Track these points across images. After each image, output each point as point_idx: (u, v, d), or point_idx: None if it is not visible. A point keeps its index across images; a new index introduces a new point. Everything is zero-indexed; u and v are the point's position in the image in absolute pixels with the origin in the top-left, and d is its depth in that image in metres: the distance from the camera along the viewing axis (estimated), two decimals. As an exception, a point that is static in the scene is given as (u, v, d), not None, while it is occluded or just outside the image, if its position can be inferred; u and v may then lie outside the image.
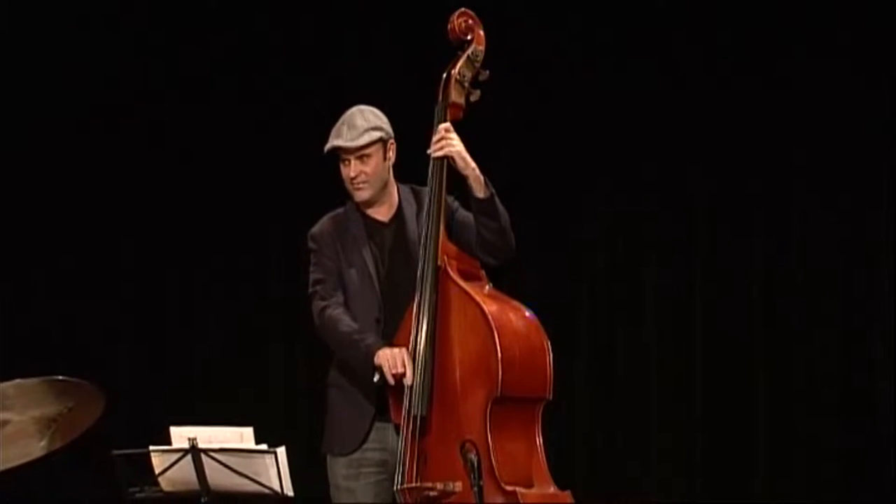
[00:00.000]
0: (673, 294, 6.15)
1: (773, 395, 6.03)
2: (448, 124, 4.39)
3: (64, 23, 6.43)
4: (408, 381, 4.27)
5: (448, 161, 4.37)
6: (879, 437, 5.88)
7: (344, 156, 4.47)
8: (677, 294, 6.15)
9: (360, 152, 4.45)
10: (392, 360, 4.28)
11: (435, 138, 4.38)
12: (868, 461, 5.89)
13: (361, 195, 4.50)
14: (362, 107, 4.52)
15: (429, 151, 4.39)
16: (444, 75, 4.42)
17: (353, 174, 4.47)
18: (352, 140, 4.44)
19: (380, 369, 4.30)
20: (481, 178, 4.38)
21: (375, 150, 4.47)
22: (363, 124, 4.46)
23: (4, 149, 6.15)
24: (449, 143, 4.36)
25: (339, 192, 4.58)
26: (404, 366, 4.27)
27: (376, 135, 4.47)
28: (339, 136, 4.46)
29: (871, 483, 5.90)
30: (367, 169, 4.47)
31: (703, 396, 6.11)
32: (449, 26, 4.44)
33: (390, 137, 4.51)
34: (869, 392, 5.92)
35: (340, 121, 4.50)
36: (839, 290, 6.02)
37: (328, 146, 4.48)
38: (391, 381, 4.29)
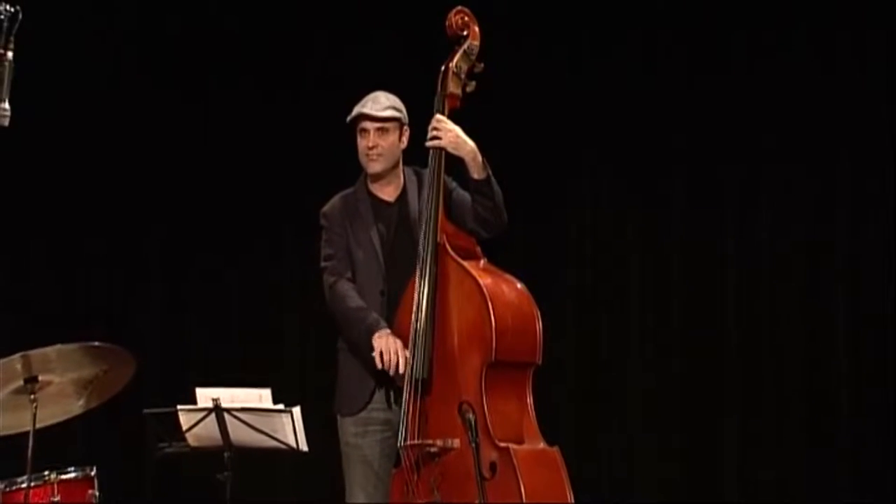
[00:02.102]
0: (654, 270, 6.20)
1: (746, 371, 6.07)
2: (440, 115, 4.48)
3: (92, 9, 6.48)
4: (400, 368, 4.36)
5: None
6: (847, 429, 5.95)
7: (366, 125, 4.56)
8: (658, 270, 6.20)
9: (381, 124, 4.55)
10: (386, 349, 4.38)
11: (429, 130, 4.48)
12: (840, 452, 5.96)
13: (374, 167, 4.59)
14: (386, 92, 4.62)
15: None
16: (443, 68, 4.51)
17: (370, 144, 4.56)
18: (376, 111, 4.55)
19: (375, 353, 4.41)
20: (479, 159, 4.47)
21: (393, 129, 4.58)
22: (386, 102, 4.58)
23: (43, 141, 6.20)
24: (440, 134, 4.46)
25: (347, 176, 4.70)
26: (397, 356, 4.36)
27: (397, 114, 4.59)
28: (363, 106, 4.57)
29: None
30: (384, 143, 4.57)
31: (680, 366, 6.16)
32: (447, 23, 4.53)
33: (406, 123, 4.62)
34: (833, 375, 5.99)
35: (366, 97, 4.60)
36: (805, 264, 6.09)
37: (353, 114, 4.57)
38: (379, 365, 4.38)
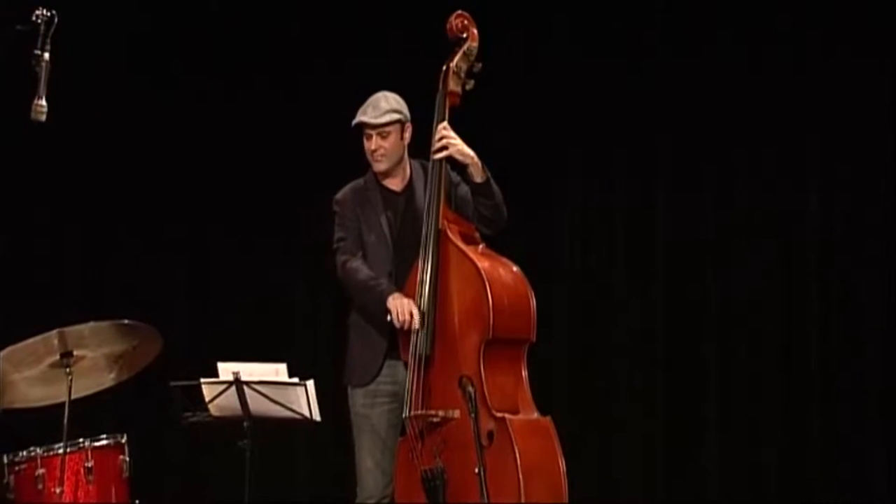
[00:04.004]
0: (640, 260, 6.25)
1: (723, 341, 6.12)
2: (446, 123, 4.56)
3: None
4: (415, 326, 4.46)
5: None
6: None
7: (367, 131, 4.67)
8: (644, 260, 6.24)
9: (380, 129, 4.65)
10: (401, 308, 4.48)
11: (436, 138, 4.57)
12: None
13: (379, 166, 4.71)
14: (387, 92, 4.71)
15: (432, 154, 4.58)
16: (444, 68, 4.61)
17: (373, 147, 4.68)
18: (375, 118, 4.65)
19: (391, 313, 4.51)
20: (479, 164, 4.57)
21: (394, 130, 4.67)
22: (385, 106, 4.66)
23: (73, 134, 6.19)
24: (448, 143, 4.55)
25: (359, 164, 4.78)
26: (411, 314, 4.47)
27: (396, 116, 4.66)
28: (364, 113, 4.67)
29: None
30: (386, 144, 4.67)
31: (665, 343, 6.20)
32: (447, 25, 4.63)
33: (408, 121, 4.70)
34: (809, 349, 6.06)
35: (367, 102, 4.69)
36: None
37: (355, 121, 4.68)
38: (397, 324, 4.49)
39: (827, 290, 6.04)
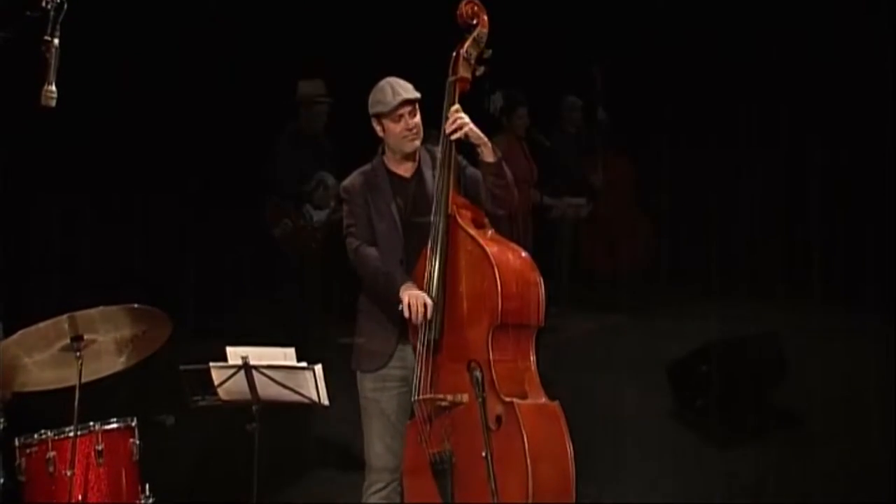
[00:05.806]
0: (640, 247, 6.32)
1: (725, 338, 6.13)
2: (458, 106, 4.50)
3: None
4: (428, 315, 4.43)
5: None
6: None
7: (405, 109, 4.56)
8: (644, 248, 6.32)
9: (415, 105, 4.58)
10: (415, 302, 4.43)
11: (450, 120, 4.50)
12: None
13: (415, 144, 4.62)
14: (395, 77, 4.64)
15: (446, 132, 4.50)
16: (454, 54, 4.58)
17: (412, 124, 4.59)
18: (414, 93, 4.57)
19: (404, 305, 4.46)
20: (489, 144, 4.53)
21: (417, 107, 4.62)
22: (409, 85, 4.61)
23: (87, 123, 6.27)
24: (462, 123, 4.48)
25: (366, 153, 4.76)
26: (425, 307, 4.43)
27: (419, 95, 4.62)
28: (398, 94, 4.56)
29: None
30: (418, 121, 4.61)
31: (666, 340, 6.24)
32: (458, 12, 4.59)
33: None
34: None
35: (388, 85, 4.59)
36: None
37: (398, 100, 4.54)
38: (406, 314, 4.46)
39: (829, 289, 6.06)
